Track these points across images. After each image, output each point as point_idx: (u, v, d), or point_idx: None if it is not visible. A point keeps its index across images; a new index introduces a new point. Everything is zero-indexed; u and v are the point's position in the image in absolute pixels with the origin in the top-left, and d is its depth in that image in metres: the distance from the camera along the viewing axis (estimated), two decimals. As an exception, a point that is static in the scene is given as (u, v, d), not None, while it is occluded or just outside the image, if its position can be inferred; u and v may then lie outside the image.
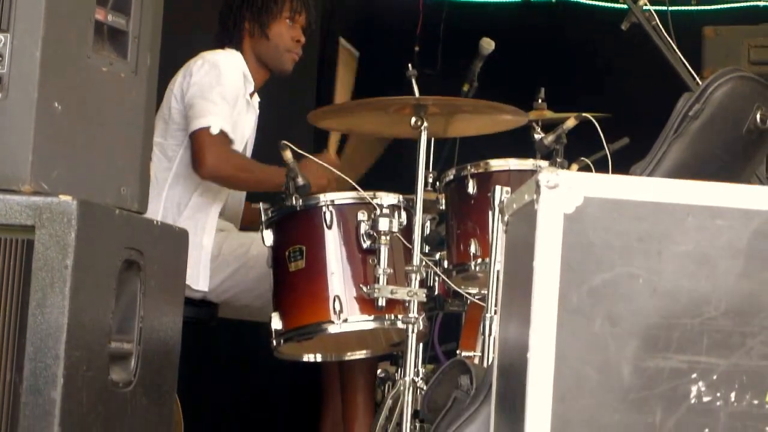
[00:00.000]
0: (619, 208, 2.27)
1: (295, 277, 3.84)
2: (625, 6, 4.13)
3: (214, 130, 4.12)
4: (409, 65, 3.90)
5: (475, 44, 4.83)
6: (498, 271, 2.93)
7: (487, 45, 4.74)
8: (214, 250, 4.25)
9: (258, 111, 4.46)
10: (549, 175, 2.29)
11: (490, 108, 4.01)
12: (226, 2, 4.47)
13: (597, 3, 6.87)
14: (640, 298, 2.23)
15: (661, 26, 3.81)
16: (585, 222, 2.26)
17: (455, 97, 4.03)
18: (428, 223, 4.34)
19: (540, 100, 4.62)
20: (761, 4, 7.00)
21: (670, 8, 4.32)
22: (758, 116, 2.75)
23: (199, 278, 4.20)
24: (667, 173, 2.65)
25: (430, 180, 4.38)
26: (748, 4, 7.03)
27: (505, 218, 2.69)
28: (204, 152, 4.11)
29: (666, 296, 2.22)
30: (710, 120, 2.72)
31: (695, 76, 3.46)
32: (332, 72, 4.93)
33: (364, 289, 3.76)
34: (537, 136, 4.11)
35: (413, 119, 3.81)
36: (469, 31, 6.01)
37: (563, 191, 2.27)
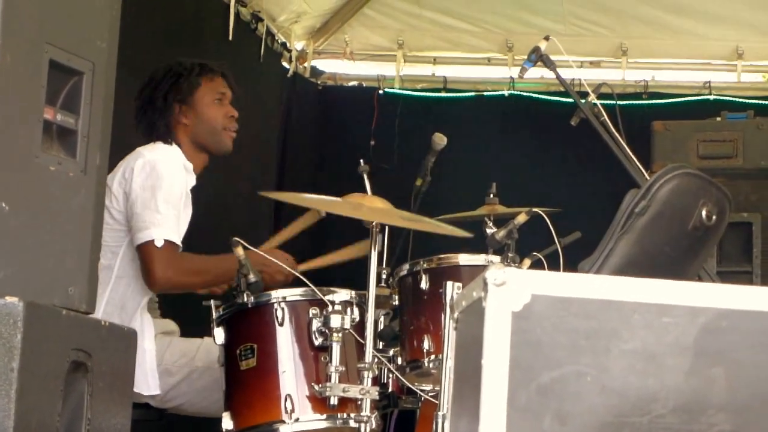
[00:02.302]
0: (567, 306, 2.26)
1: (246, 376, 3.79)
2: (583, 100, 4.19)
3: (159, 243, 4.05)
4: (361, 161, 3.91)
5: (430, 138, 4.87)
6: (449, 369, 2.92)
7: (440, 140, 4.78)
8: (156, 358, 4.17)
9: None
10: (496, 272, 2.28)
11: (431, 226, 4.03)
12: (145, 96, 4.37)
13: (549, 97, 6.96)
14: (588, 396, 2.22)
15: (609, 122, 3.85)
16: (533, 319, 2.25)
17: (399, 211, 4.01)
18: (382, 318, 4.32)
19: (492, 195, 4.64)
20: (711, 97, 7.12)
21: (619, 102, 4.38)
22: (704, 213, 2.77)
23: (147, 383, 4.12)
24: (614, 269, 2.66)
25: (384, 275, 4.37)
26: (698, 98, 7.15)
27: (455, 315, 2.69)
28: (152, 266, 4.04)
29: (614, 394, 2.21)
30: (657, 217, 2.74)
31: (643, 171, 3.49)
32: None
33: (316, 387, 3.71)
34: (489, 231, 4.12)
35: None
36: (424, 124, 6.08)
37: (511, 289, 2.27)
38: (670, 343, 2.22)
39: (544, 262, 4.02)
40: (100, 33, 3.09)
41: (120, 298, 4.14)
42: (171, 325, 4.40)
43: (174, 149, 4.29)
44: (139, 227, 4.06)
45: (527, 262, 4.04)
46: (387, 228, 4.08)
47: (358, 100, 7.50)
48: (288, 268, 4.04)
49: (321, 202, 4.10)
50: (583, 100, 4.24)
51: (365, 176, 3.84)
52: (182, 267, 4.14)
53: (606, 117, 3.94)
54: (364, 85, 7.59)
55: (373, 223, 3.80)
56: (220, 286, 4.42)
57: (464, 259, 4.04)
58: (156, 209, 4.08)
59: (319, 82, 7.59)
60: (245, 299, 3.81)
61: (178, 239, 4.12)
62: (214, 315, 3.86)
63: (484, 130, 7.12)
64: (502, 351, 2.24)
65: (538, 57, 4.23)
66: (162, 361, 4.18)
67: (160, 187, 4.12)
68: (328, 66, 7.62)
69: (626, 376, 2.21)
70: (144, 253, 4.05)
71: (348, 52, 7.47)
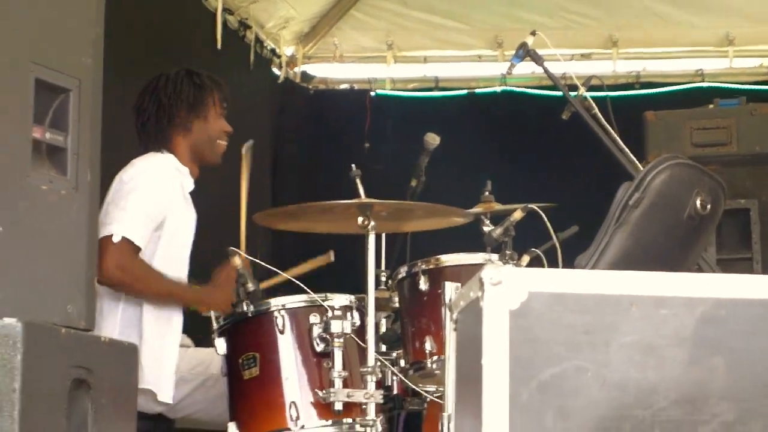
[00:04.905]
0: (564, 302, 2.26)
1: (249, 385, 3.79)
2: (574, 93, 4.19)
3: (116, 238, 4.01)
4: (353, 166, 3.90)
5: (423, 137, 4.87)
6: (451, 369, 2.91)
7: (432, 140, 4.78)
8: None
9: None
10: (493, 271, 2.29)
11: (431, 211, 4.02)
12: (147, 104, 4.36)
13: (541, 92, 6.95)
14: (589, 390, 2.22)
15: (599, 115, 3.84)
16: (530, 317, 2.25)
17: (398, 201, 4.02)
18: (383, 321, 4.32)
19: (487, 192, 4.63)
20: (704, 85, 7.11)
21: (610, 94, 4.37)
22: (698, 202, 2.77)
23: (163, 389, 4.11)
24: (611, 263, 2.65)
25: (383, 278, 4.37)
26: (690, 86, 7.14)
27: (454, 316, 2.69)
28: (103, 260, 3.92)
29: (615, 388, 2.21)
30: (651, 208, 2.73)
31: (637, 162, 3.49)
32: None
33: (320, 393, 3.71)
34: (486, 229, 4.12)
35: (360, 219, 3.81)
36: (417, 124, 6.07)
37: (507, 287, 2.27)
38: (669, 334, 2.22)
39: (543, 258, 4.02)
40: (84, 49, 3.09)
41: (133, 311, 4.13)
42: (185, 339, 4.39)
43: (166, 156, 4.29)
44: (103, 222, 4.00)
45: (526, 258, 4.04)
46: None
47: (351, 103, 7.49)
48: (285, 275, 4.04)
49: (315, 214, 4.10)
50: (574, 94, 4.24)
51: (358, 180, 3.84)
52: (132, 269, 4.07)
53: (597, 110, 3.94)
54: (356, 87, 7.58)
55: (369, 226, 3.79)
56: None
57: (462, 258, 4.04)
58: (123, 207, 4.06)
59: (310, 87, 7.58)
60: (245, 308, 3.81)
61: (138, 240, 4.06)
62: (215, 326, 3.86)
63: (477, 127, 7.11)
64: (502, 350, 2.24)
65: (525, 53, 4.23)
66: (178, 370, 4.17)
67: (136, 189, 4.11)
68: (319, 70, 7.61)
69: (626, 370, 2.21)
70: (101, 246, 3.97)
71: (338, 55, 7.47)
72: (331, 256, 4.44)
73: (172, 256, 4.22)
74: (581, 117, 4.08)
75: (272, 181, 7.09)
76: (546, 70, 4.25)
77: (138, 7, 5.45)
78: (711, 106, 5.71)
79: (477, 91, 7.39)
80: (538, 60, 4.26)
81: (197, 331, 4.33)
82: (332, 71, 7.60)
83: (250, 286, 3.79)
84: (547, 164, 6.84)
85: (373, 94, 7.45)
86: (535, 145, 6.89)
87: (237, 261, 3.80)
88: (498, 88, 7.29)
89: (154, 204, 4.14)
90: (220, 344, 3.84)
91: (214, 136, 4.38)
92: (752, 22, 6.92)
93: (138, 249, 4.09)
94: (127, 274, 4.05)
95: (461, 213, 4.03)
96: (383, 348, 4.21)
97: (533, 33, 4.29)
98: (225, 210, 4.66)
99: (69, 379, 2.82)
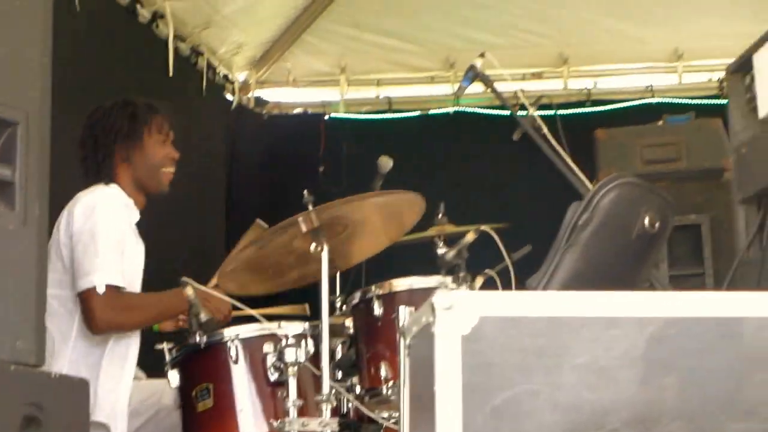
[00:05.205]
0: (516, 325, 2.26)
1: (203, 417, 3.76)
2: (524, 112, 4.20)
3: (101, 289, 4.00)
4: (305, 192, 3.88)
5: (377, 161, 4.87)
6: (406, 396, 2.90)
7: (385, 163, 4.78)
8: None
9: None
10: (444, 296, 2.28)
11: (380, 202, 3.99)
12: (86, 137, 4.33)
13: (494, 112, 6.97)
14: (543, 413, 2.21)
15: (548, 134, 3.86)
16: (482, 342, 2.24)
17: (343, 198, 3.98)
18: (339, 347, 4.30)
19: (440, 215, 4.63)
20: (654, 101, 7.17)
21: (561, 112, 4.40)
22: (646, 220, 2.77)
23: (118, 423, 4.07)
24: (562, 284, 2.65)
25: (338, 304, 4.35)
26: (640, 102, 7.20)
27: (407, 341, 2.67)
28: (94, 313, 3.97)
29: (569, 410, 2.21)
30: (600, 228, 2.74)
31: (586, 182, 3.50)
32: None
33: (275, 424, 3.68)
34: (440, 252, 4.11)
35: (312, 245, 3.79)
36: (372, 147, 6.07)
37: (459, 312, 2.26)
38: (620, 355, 2.21)
39: (497, 279, 4.02)
40: (32, 81, 3.05)
41: (85, 350, 4.08)
42: (138, 372, 4.35)
43: (112, 189, 4.26)
44: (80, 273, 4.00)
45: (480, 280, 4.04)
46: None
47: (305, 127, 7.49)
48: (239, 304, 4.01)
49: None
50: (524, 113, 4.25)
51: (310, 207, 3.82)
52: (122, 306, 4.07)
53: (546, 129, 3.95)
54: (310, 111, 7.59)
55: (321, 250, 3.77)
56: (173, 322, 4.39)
57: (417, 282, 4.02)
58: (96, 253, 4.03)
59: (264, 112, 7.58)
60: (198, 339, 3.78)
61: (119, 280, 4.06)
62: (167, 358, 3.83)
63: (431, 148, 7.13)
64: (454, 375, 2.23)
65: (474, 75, 4.24)
66: (130, 402, 4.13)
67: (98, 231, 4.07)
68: (273, 95, 7.61)
69: (579, 392, 2.20)
70: (86, 299, 3.99)
71: (291, 80, 7.47)
72: (307, 309, 4.44)
73: (125, 286, 4.19)
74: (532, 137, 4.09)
75: (226, 206, 7.06)
76: (495, 91, 4.26)
77: (88, 36, 5.43)
78: (660, 122, 5.74)
79: (430, 112, 7.42)
80: (487, 81, 4.27)
81: (149, 363, 4.29)
82: (286, 96, 7.61)
83: (203, 317, 3.76)
84: (501, 184, 6.86)
85: (327, 117, 7.46)
86: (490, 165, 6.91)
87: (189, 291, 3.77)
88: (451, 109, 7.31)
89: (116, 241, 4.12)
90: (173, 376, 3.81)
91: (156, 164, 4.33)
92: (700, 36, 6.99)
93: (121, 289, 4.08)
94: (119, 315, 4.05)
95: (412, 196, 3.99)
96: (339, 375, 4.18)
97: (482, 55, 4.30)
98: (175, 238, 4.63)
99: (19, 416, 2.77)
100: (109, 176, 4.28)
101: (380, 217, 4.17)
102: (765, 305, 2.29)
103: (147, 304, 4.17)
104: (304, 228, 3.78)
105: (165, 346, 3.84)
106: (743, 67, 2.93)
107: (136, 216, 4.29)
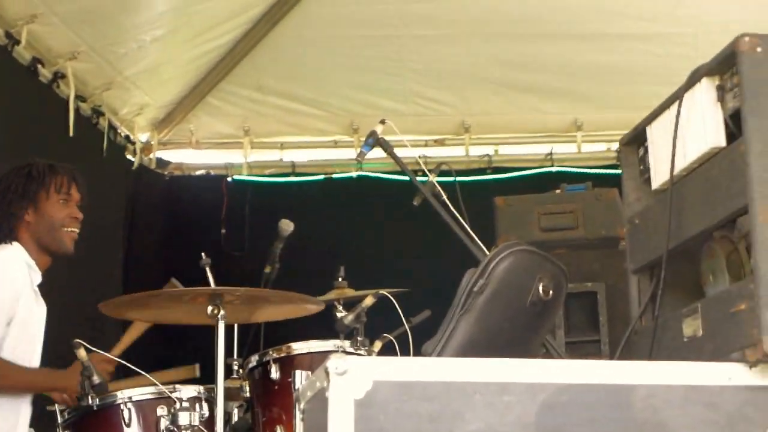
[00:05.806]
0: (409, 390, 2.26)
1: (94, 481, 3.71)
2: (425, 178, 4.24)
3: None
4: (203, 254, 3.87)
5: (278, 224, 4.86)
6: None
7: (286, 226, 4.78)
8: None
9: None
10: (338, 361, 2.28)
11: (285, 298, 4.01)
12: None
13: (396, 177, 7.00)
14: (435, 480, 2.21)
15: (447, 201, 3.89)
16: (376, 407, 2.24)
17: (250, 288, 3.99)
18: (236, 411, 4.26)
19: (341, 278, 4.64)
20: (553, 169, 7.27)
21: (463, 179, 4.44)
22: (540, 288, 2.81)
23: None
24: (457, 350, 2.67)
25: (235, 366, 4.32)
26: (540, 170, 7.30)
27: (302, 405, 2.67)
28: None
29: (460, 476, 2.21)
30: (494, 295, 2.76)
31: (483, 248, 3.53)
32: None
33: (168, 488, 3.65)
34: (339, 315, 4.12)
35: (209, 308, 3.77)
36: (274, 210, 6.06)
37: (352, 377, 2.26)
38: (513, 421, 2.23)
39: (396, 344, 4.02)
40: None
41: None
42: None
43: (14, 248, 4.20)
44: None
45: (378, 344, 4.04)
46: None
47: (207, 189, 7.45)
48: (131, 366, 3.96)
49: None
50: (425, 179, 4.29)
51: (207, 269, 3.80)
52: None
53: (445, 196, 3.99)
54: (212, 173, 7.55)
55: (219, 315, 3.75)
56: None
57: (314, 345, 4.02)
58: None
59: (166, 173, 7.52)
60: (90, 401, 3.73)
61: None
62: (59, 420, 3.76)
63: (334, 212, 7.14)
64: (347, 440, 2.22)
65: (375, 141, 4.27)
66: None
67: None
68: (175, 156, 7.56)
69: (471, 458, 2.21)
70: None
71: (194, 141, 7.44)
72: (197, 370, 4.40)
73: (21, 349, 4.11)
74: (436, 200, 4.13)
75: (124, 269, 6.97)
76: (394, 157, 4.30)
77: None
78: (558, 191, 5.82)
79: (334, 176, 7.43)
80: (387, 148, 4.30)
81: (42, 425, 4.21)
82: (188, 157, 7.56)
83: (96, 379, 3.71)
84: (401, 249, 6.89)
85: (229, 179, 7.42)
86: (391, 229, 6.93)
87: (82, 353, 3.72)
88: (354, 173, 7.33)
89: (2, 301, 4.04)
90: (65, 439, 3.75)
91: (56, 224, 4.28)
92: (598, 107, 7.12)
93: None
94: None
95: (313, 301, 4.03)
96: (235, 438, 4.15)
97: (383, 121, 4.34)
98: (72, 301, 4.56)
99: None
100: (13, 236, 4.23)
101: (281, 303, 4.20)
102: (654, 374, 2.33)
103: (10, 374, 4.04)
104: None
105: (57, 407, 3.77)
106: (637, 138, 2.98)
107: (37, 278, 4.24)
